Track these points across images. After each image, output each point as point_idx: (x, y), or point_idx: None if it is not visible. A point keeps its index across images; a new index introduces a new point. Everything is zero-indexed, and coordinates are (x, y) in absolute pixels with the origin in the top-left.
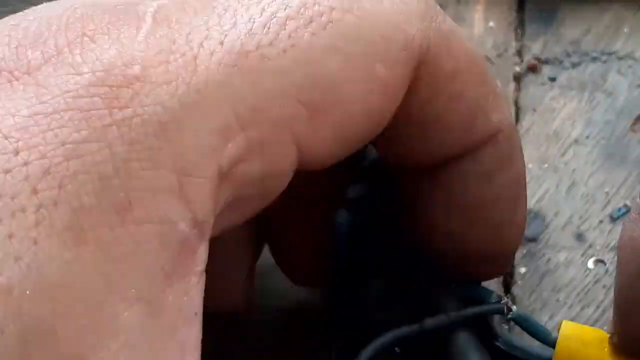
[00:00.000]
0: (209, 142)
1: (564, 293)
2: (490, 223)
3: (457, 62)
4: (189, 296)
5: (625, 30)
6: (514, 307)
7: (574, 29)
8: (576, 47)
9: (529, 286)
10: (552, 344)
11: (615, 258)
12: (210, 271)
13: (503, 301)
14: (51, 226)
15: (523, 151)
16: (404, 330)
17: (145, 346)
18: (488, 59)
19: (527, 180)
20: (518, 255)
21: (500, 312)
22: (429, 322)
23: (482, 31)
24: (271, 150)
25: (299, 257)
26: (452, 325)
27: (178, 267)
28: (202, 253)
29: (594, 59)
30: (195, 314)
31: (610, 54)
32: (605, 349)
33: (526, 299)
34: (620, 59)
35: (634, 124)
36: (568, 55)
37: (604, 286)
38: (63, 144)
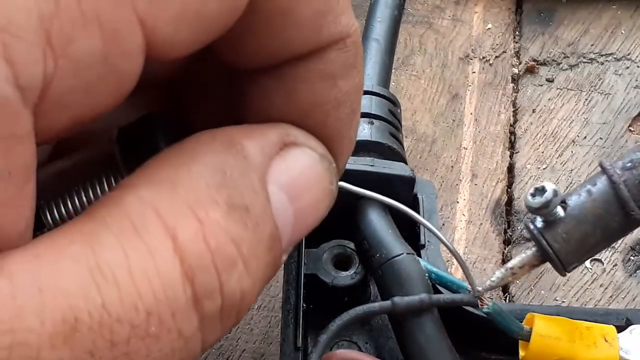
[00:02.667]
0: (37, 5)
1: (562, 292)
2: (327, 131)
3: None
4: (9, 158)
5: (622, 31)
6: (490, 301)
7: (571, 31)
8: (573, 49)
9: (526, 285)
10: (526, 338)
11: (613, 257)
12: None
13: (477, 293)
14: None
15: (520, 151)
16: (375, 306)
17: None
18: (486, 60)
19: (526, 180)
20: (517, 254)
21: (473, 304)
22: (400, 302)
23: (480, 33)
24: (111, 26)
25: None
26: (422, 308)
27: None
28: (25, 120)
29: (591, 61)
30: (10, 173)
31: (607, 55)
32: (576, 342)
33: (524, 297)
34: (617, 60)
35: (631, 124)
36: (565, 56)
37: (601, 285)
38: None
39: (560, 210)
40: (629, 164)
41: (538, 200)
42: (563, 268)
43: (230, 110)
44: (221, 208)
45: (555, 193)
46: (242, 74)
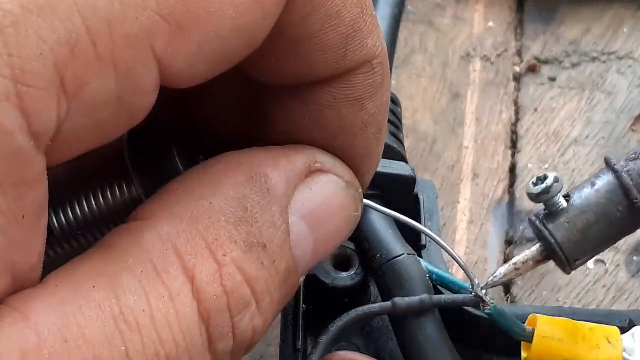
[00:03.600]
0: (52, 53)
1: (564, 293)
2: (354, 152)
3: None
4: (23, 202)
5: (625, 30)
6: (491, 303)
7: (573, 29)
8: (576, 47)
9: (529, 286)
10: (528, 340)
11: (615, 258)
12: None
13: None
14: None
15: (522, 151)
16: (376, 307)
17: None
18: (488, 59)
19: (528, 180)
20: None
21: (475, 304)
22: (401, 303)
23: (482, 31)
24: (126, 67)
25: None
26: (423, 309)
27: (11, 176)
28: (38, 164)
29: (594, 59)
30: (24, 217)
31: (609, 54)
32: (579, 343)
33: (526, 298)
34: (619, 59)
35: (633, 123)
36: (568, 55)
37: (604, 286)
38: None
39: (563, 201)
40: (633, 156)
41: (539, 187)
42: (567, 262)
43: (254, 126)
44: (239, 247)
45: (557, 179)
46: (267, 93)
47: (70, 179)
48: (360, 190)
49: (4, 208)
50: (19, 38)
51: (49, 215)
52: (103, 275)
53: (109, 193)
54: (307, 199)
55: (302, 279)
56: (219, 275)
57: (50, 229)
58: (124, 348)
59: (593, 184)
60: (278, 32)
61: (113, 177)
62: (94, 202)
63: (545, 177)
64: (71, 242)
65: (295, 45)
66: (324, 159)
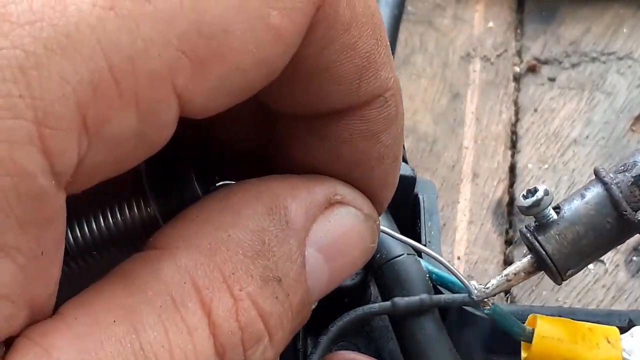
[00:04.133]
0: (75, 93)
1: (564, 293)
2: (372, 183)
3: (353, 11)
4: (43, 240)
5: (625, 30)
6: (491, 303)
7: (573, 30)
8: (576, 48)
9: (528, 286)
10: (528, 339)
11: (615, 258)
12: None
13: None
14: None
15: (522, 151)
16: (376, 307)
17: None
18: (487, 59)
19: (527, 180)
20: (518, 254)
21: (475, 303)
22: (401, 302)
23: (481, 31)
24: (149, 104)
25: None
26: (423, 309)
27: (32, 215)
28: (58, 201)
29: (594, 59)
30: (43, 253)
31: (609, 54)
32: (579, 343)
33: (525, 298)
34: (619, 59)
35: (633, 123)
36: (567, 55)
37: (603, 286)
38: None
39: (553, 214)
40: (622, 167)
41: (529, 200)
42: (558, 273)
43: (272, 152)
44: (255, 282)
45: (547, 192)
46: (284, 122)
47: (87, 197)
48: (378, 222)
49: (25, 247)
50: (41, 80)
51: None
52: (122, 309)
53: (126, 211)
54: (326, 231)
55: (313, 307)
56: (234, 311)
57: (65, 246)
58: None
59: (582, 196)
60: (294, 63)
61: (130, 196)
62: (110, 219)
63: (535, 190)
64: (86, 259)
65: (310, 76)
66: (344, 191)
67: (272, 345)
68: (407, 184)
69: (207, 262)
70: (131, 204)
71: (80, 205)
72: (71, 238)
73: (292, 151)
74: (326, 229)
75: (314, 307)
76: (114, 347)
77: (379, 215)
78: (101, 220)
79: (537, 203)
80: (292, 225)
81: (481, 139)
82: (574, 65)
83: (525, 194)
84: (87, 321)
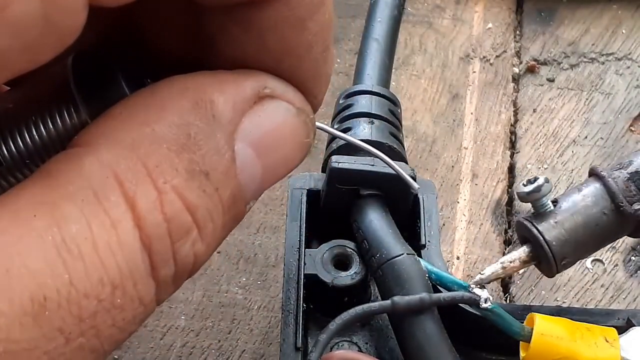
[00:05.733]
0: None
1: (562, 292)
2: (302, 73)
3: None
4: None
5: (623, 31)
6: (490, 298)
7: (572, 30)
8: (574, 48)
9: (527, 285)
10: (526, 339)
11: (614, 257)
12: None
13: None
14: None
15: (521, 151)
16: (375, 305)
17: None
18: (487, 60)
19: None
20: None
21: (474, 302)
22: (400, 301)
23: (481, 32)
24: None
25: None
26: (422, 308)
27: None
28: None
29: (592, 60)
30: None
31: (608, 55)
32: (577, 341)
33: (524, 298)
34: (618, 59)
35: (632, 124)
36: (566, 56)
37: (602, 285)
38: None
39: (550, 205)
40: (618, 166)
41: (530, 186)
42: (554, 261)
43: (202, 50)
44: (180, 175)
45: (547, 180)
46: (209, 16)
47: (17, 109)
48: (312, 116)
49: None
50: None
51: None
52: (43, 203)
53: (57, 119)
54: (255, 126)
55: (251, 204)
56: (159, 203)
57: None
58: (67, 276)
59: (579, 190)
60: None
61: (60, 103)
62: (42, 128)
63: (535, 179)
64: (22, 171)
65: None
66: (274, 85)
67: (201, 238)
68: (407, 183)
69: (130, 156)
70: (61, 111)
71: (11, 118)
72: (5, 151)
73: (220, 47)
74: (256, 123)
75: (250, 206)
76: (35, 241)
77: (315, 110)
78: (33, 129)
79: (538, 189)
80: (219, 119)
81: (480, 140)
82: (572, 66)
83: (525, 183)
84: (7, 217)
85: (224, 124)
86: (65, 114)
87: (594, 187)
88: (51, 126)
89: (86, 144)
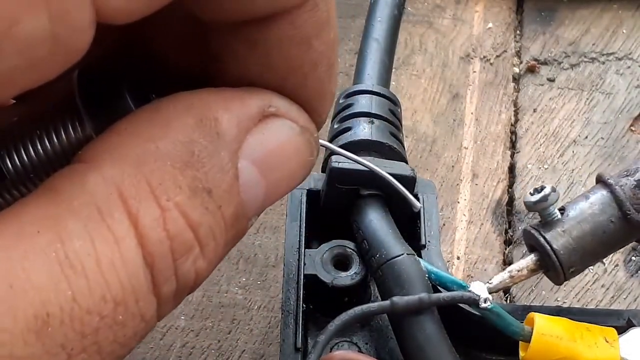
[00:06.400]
0: None
1: (563, 292)
2: (306, 92)
3: None
4: None
5: (624, 31)
6: (489, 298)
7: (572, 30)
8: (575, 48)
9: (528, 285)
10: (526, 339)
11: (614, 257)
12: None
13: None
14: None
15: (521, 151)
16: (375, 306)
17: None
18: (487, 59)
19: (527, 180)
20: (517, 254)
21: (473, 302)
22: (400, 301)
23: (481, 32)
24: (59, 5)
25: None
26: (422, 308)
27: None
28: None
29: (593, 60)
30: None
31: (608, 54)
32: (577, 341)
33: (525, 298)
34: (618, 59)
35: (632, 124)
36: (567, 56)
37: (602, 285)
38: None
39: (557, 213)
40: (625, 173)
41: (537, 195)
42: (562, 270)
43: (207, 67)
44: (183, 192)
45: (554, 189)
46: (215, 33)
47: (22, 122)
48: (316, 135)
49: None
50: None
51: (2, 158)
52: (47, 219)
53: (62, 133)
54: (259, 144)
55: (253, 220)
56: (162, 220)
57: (2, 173)
58: (70, 292)
59: (587, 197)
60: None
61: (65, 117)
62: (47, 142)
63: (542, 188)
64: (26, 185)
65: None
66: (278, 103)
67: (203, 256)
68: (407, 184)
69: (134, 173)
70: (66, 125)
71: (16, 131)
72: (9, 164)
73: (226, 64)
74: (260, 141)
75: (252, 222)
76: (38, 256)
77: (318, 128)
78: (37, 143)
79: (545, 198)
80: (223, 137)
81: (481, 139)
82: (573, 66)
83: (532, 192)
84: (11, 233)
85: (228, 141)
86: (70, 128)
87: (601, 194)
88: (56, 140)
89: (90, 160)
